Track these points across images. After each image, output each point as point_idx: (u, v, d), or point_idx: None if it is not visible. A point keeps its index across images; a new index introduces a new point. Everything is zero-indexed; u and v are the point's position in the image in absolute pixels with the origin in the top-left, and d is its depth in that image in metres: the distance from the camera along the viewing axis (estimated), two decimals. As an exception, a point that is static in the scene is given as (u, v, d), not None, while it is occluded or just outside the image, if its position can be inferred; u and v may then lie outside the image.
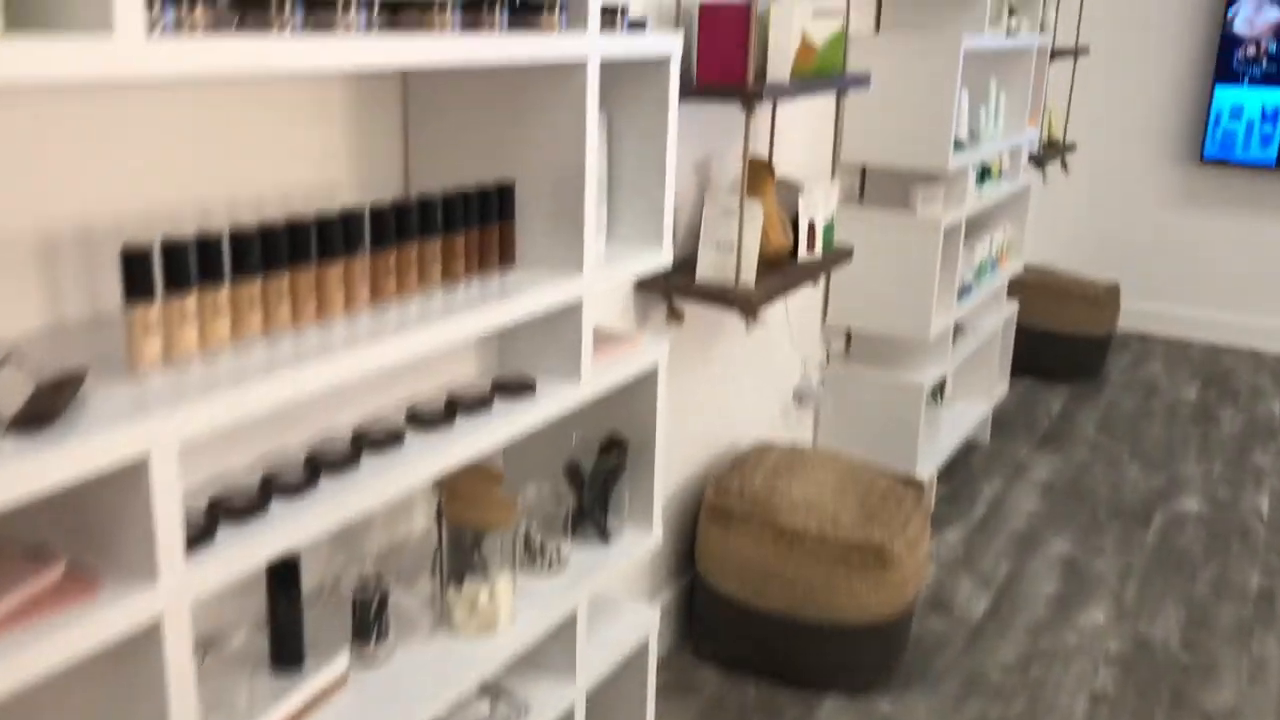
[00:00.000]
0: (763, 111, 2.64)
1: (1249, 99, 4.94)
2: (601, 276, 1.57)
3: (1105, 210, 5.41)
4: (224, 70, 0.97)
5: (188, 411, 1.00)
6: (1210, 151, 5.04)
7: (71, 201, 1.16)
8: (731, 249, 2.23)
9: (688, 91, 2.15)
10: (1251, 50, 4.94)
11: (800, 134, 2.86)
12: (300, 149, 1.40)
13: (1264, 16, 4.89)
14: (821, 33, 2.40)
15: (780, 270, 2.41)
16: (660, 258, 1.72)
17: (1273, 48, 4.89)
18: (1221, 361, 4.96)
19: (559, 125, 1.48)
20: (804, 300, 3.11)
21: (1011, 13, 3.56)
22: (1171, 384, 4.66)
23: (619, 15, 1.52)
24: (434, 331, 1.28)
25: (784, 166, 2.79)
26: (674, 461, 2.56)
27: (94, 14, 0.86)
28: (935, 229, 3.05)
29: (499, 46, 1.28)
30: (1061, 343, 4.68)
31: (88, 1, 0.86)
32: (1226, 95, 4.97)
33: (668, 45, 1.63)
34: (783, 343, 3.03)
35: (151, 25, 0.94)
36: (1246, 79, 4.95)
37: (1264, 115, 4.95)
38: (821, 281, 3.17)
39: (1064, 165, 4.82)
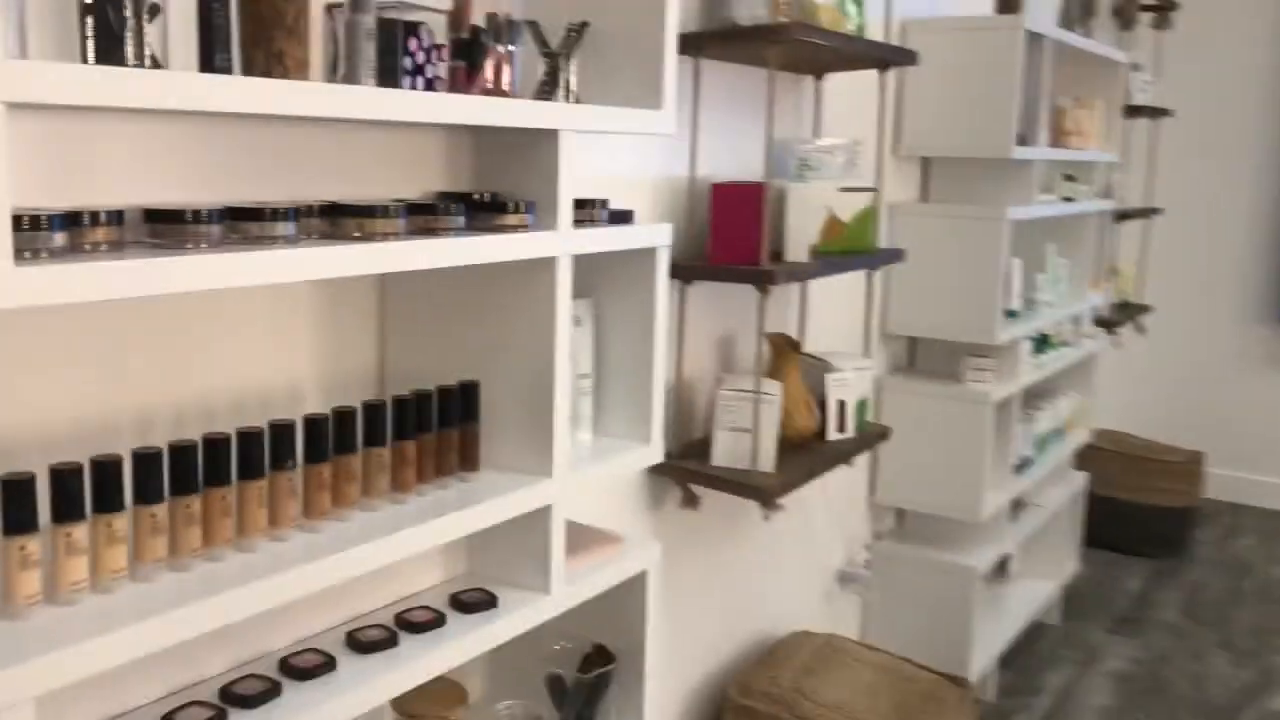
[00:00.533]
0: (790, 285, 2.56)
1: (1336, 259, 4.72)
2: (574, 480, 1.47)
3: (1186, 373, 5.16)
4: (112, 294, 0.91)
5: (55, 656, 0.92)
6: (1295, 312, 4.80)
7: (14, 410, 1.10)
8: (748, 433, 2.12)
9: (701, 272, 2.08)
10: (1337, 208, 4.74)
11: (838, 306, 2.77)
12: (258, 350, 1.35)
13: (1347, 175, 4.70)
14: (850, 208, 2.33)
15: (807, 452, 2.29)
16: (648, 455, 1.62)
17: (1359, 207, 4.68)
18: (1321, 537, 4.62)
19: (529, 322, 1.40)
20: (847, 475, 2.96)
21: (1069, 179, 3.46)
22: (1265, 561, 4.32)
23: (596, 207, 1.46)
24: (366, 550, 1.18)
25: (820, 340, 2.69)
26: (694, 654, 2.40)
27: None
28: (985, 402, 2.90)
29: (447, 251, 1.21)
30: (1142, 515, 4.40)
31: (-57, 233, 0.82)
32: (1312, 255, 4.76)
33: (654, 236, 1.56)
34: (822, 521, 2.87)
35: (27, 251, 0.89)
36: (1333, 238, 4.74)
37: (1354, 275, 4.72)
38: (864, 457, 3.02)
39: (1139, 328, 4.62)
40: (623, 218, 1.54)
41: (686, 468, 2.15)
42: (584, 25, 1.50)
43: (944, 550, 3.07)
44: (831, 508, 2.90)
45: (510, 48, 1.38)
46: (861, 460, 3.01)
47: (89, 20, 0.98)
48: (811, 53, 2.17)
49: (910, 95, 2.93)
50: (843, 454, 2.36)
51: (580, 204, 1.43)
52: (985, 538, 3.15)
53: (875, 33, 2.53)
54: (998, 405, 2.96)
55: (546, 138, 1.34)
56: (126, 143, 1.16)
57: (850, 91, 2.65)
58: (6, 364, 1.11)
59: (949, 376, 3.04)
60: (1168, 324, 5.11)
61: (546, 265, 1.37)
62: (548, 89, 1.50)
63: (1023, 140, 2.91)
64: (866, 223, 2.36)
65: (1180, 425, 5.18)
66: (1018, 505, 3.41)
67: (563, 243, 1.37)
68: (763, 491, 2.07)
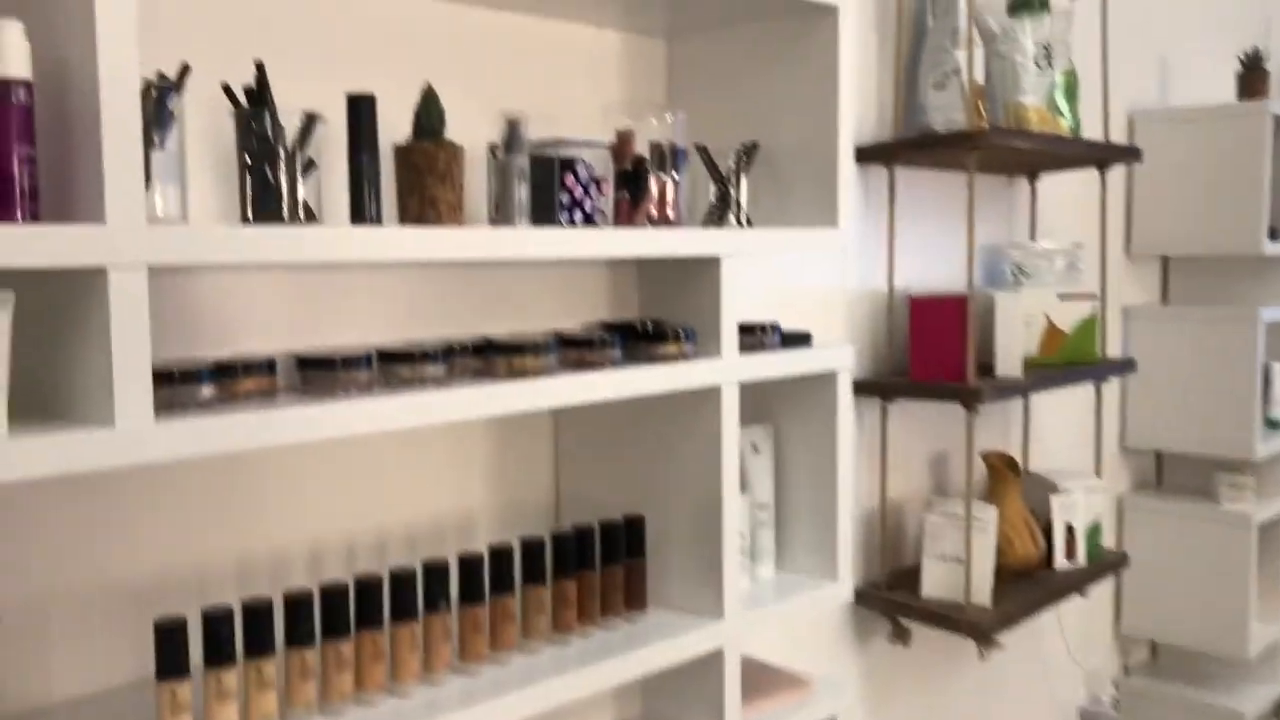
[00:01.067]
0: (1010, 401, 2.39)
1: None
2: (749, 620, 1.38)
3: None
4: (248, 444, 0.93)
5: (194, 807, 0.92)
6: None
7: (184, 552, 1.15)
8: (960, 563, 1.96)
9: (903, 389, 1.97)
10: None
11: (1067, 421, 2.56)
12: (434, 483, 1.36)
13: None
14: (1070, 316, 2.16)
15: (1030, 582, 2.09)
16: (835, 592, 1.51)
17: None
18: None
19: (696, 453, 1.35)
20: (1088, 604, 2.70)
21: (1337, 270, 3.11)
22: None
23: (768, 332, 1.40)
24: (522, 696, 1.14)
25: (1047, 459, 2.49)
26: (912, 802, 2.21)
27: (97, 406, 0.85)
28: (1246, 525, 2.59)
29: (595, 386, 1.18)
30: None
31: (90, 391, 0.85)
32: None
33: (833, 359, 1.48)
34: (1058, 655, 2.62)
35: (176, 404, 0.92)
36: None
37: None
38: (1108, 584, 2.75)
39: None
40: (798, 340, 1.47)
41: (894, 599, 2.01)
42: (754, 146, 1.47)
43: (1206, 690, 2.73)
44: (1070, 640, 2.64)
45: (674, 175, 1.36)
46: (1105, 587, 2.74)
47: (248, 179, 1.03)
48: (1018, 155, 2.05)
49: (1143, 191, 2.72)
50: (1072, 584, 2.14)
51: (748, 329, 1.38)
52: (1256, 676, 2.79)
53: (1093, 128, 2.38)
54: (1262, 526, 2.64)
55: (708, 264, 1.31)
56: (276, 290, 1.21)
57: (1072, 191, 2.50)
58: (179, 504, 1.16)
59: (1203, 495, 2.74)
60: None
61: (711, 394, 1.32)
62: (719, 212, 1.47)
63: (1274, 234, 2.64)
64: (1089, 331, 2.18)
65: None
66: (1297, 640, 3.01)
67: (724, 370, 1.32)
68: (976, 627, 1.90)
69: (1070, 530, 2.18)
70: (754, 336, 1.39)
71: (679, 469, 1.37)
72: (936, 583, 1.99)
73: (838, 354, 1.48)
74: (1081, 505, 2.20)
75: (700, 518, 1.36)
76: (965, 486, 1.94)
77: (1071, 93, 2.16)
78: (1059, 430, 2.55)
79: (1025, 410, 2.41)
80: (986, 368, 1.98)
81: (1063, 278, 2.26)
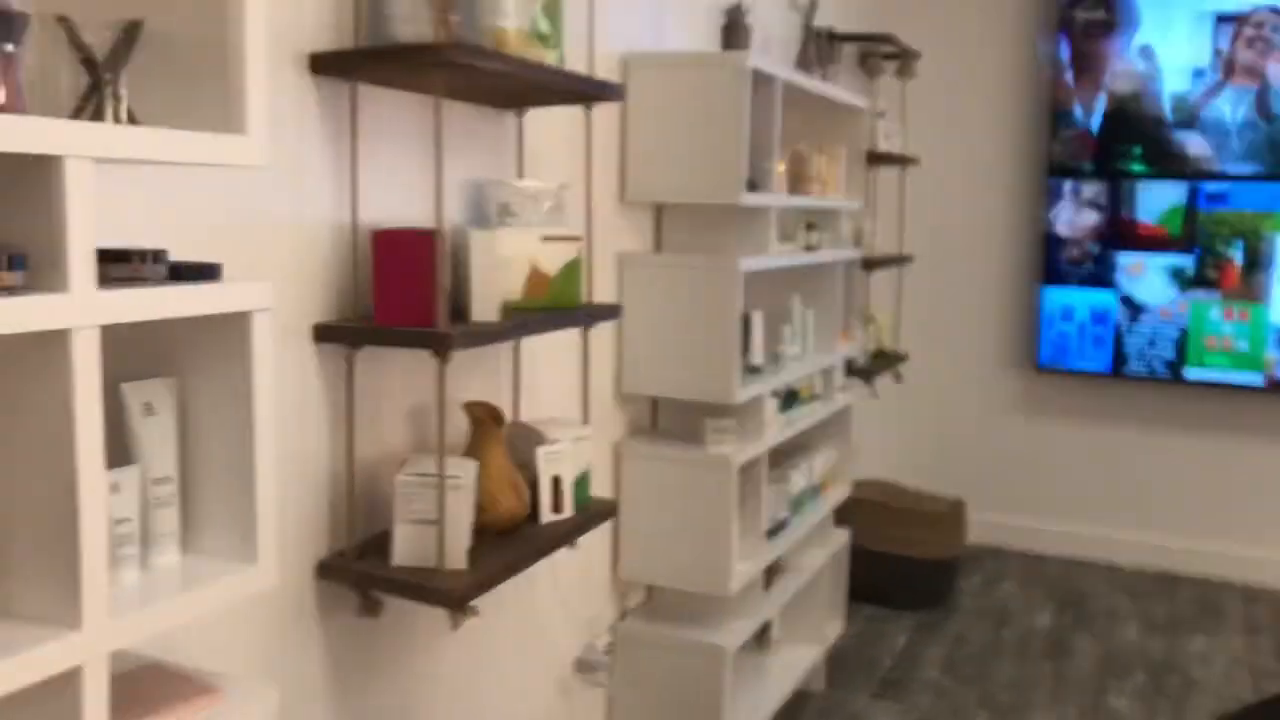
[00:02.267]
0: (498, 348, 2.25)
1: (1078, 300, 4.82)
2: (124, 626, 1.10)
3: (946, 421, 5.16)
4: None
5: None
6: (1045, 357, 4.86)
7: None
8: (433, 525, 1.78)
9: (366, 335, 1.74)
10: (1075, 252, 4.85)
11: (561, 370, 2.48)
12: None
13: (1082, 219, 4.82)
14: (556, 260, 2.05)
15: (515, 539, 1.97)
16: (254, 578, 1.26)
17: (1094, 249, 4.81)
18: (1077, 578, 4.64)
19: (40, 419, 1.03)
20: (587, 553, 2.66)
21: (810, 228, 3.32)
22: (1025, 609, 4.29)
23: (147, 260, 1.11)
24: None
25: (539, 409, 2.39)
26: (393, 785, 2.03)
27: None
28: (727, 468, 2.67)
29: None
30: (907, 566, 4.30)
31: None
32: (1057, 296, 4.84)
33: (244, 298, 1.21)
34: (554, 610, 2.56)
35: None
36: (1075, 280, 4.84)
37: (1094, 317, 4.83)
38: (606, 531, 2.73)
39: (897, 376, 4.57)
40: (196, 274, 1.19)
41: (362, 570, 1.80)
42: (135, 25, 1.16)
43: (692, 628, 2.81)
44: (567, 592, 2.59)
45: (8, 47, 1.02)
46: (601, 537, 2.72)
47: None
48: (499, 83, 1.89)
49: (637, 138, 2.70)
50: (560, 537, 2.05)
51: (117, 256, 1.07)
52: (740, 610, 2.91)
53: (580, 65, 2.28)
54: (742, 468, 2.74)
55: (44, 166, 0.99)
56: None
57: (562, 131, 2.39)
58: None
59: (691, 439, 2.81)
60: (925, 371, 5.11)
61: (55, 340, 1.01)
62: (91, 106, 1.14)
63: (754, 186, 2.72)
64: (573, 275, 2.08)
65: (942, 472, 5.18)
66: (774, 571, 3.20)
67: (73, 310, 1.01)
68: (447, 595, 1.74)
69: (557, 482, 2.09)
70: (128, 266, 1.09)
71: (23, 439, 1.05)
72: (409, 549, 1.80)
73: (249, 291, 1.22)
74: (568, 455, 2.11)
75: (52, 502, 1.04)
76: (439, 441, 1.76)
77: (555, 20, 2.04)
78: (553, 379, 2.46)
79: (516, 359, 2.29)
80: (461, 313, 1.81)
81: (550, 220, 2.15)
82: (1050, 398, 4.97)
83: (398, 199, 1.92)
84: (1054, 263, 4.85)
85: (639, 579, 2.81)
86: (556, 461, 2.09)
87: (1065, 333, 4.86)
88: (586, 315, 2.10)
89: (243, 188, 1.60)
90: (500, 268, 1.90)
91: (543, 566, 2.47)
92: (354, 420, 1.82)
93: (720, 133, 2.60)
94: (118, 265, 1.08)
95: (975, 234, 5.04)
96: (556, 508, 2.09)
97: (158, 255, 1.12)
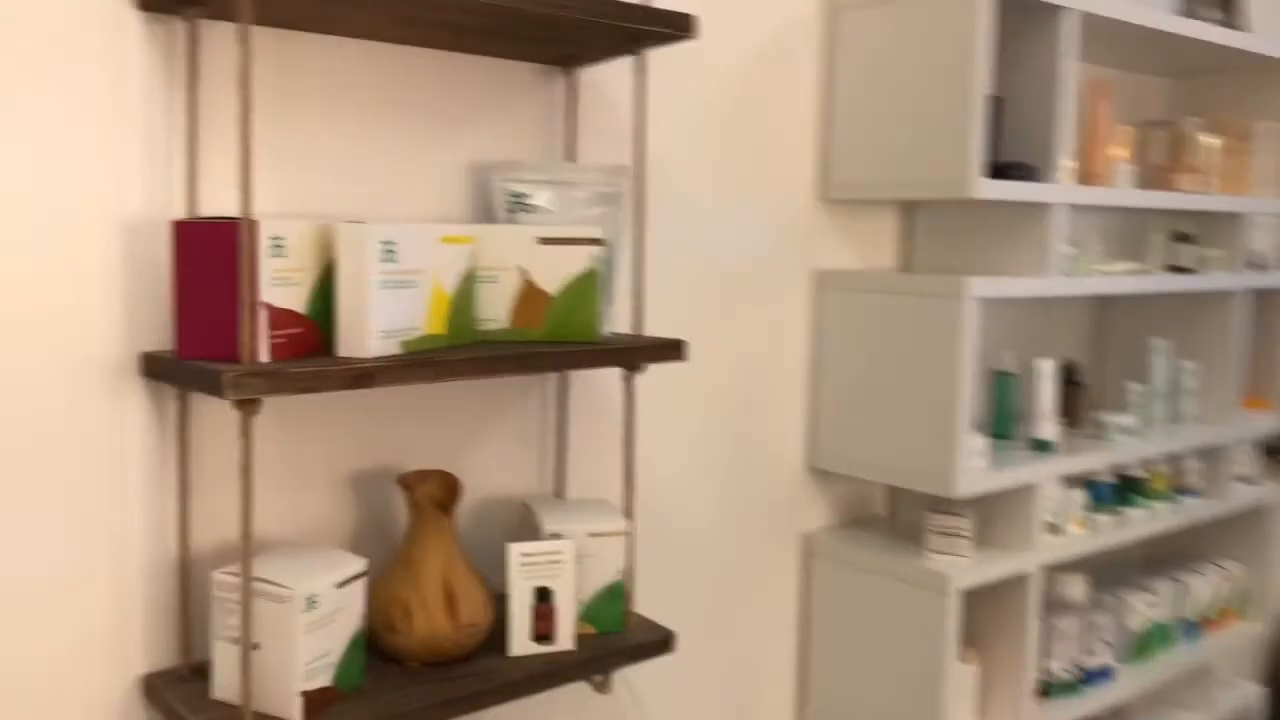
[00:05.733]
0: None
1: None
2: None
3: None
4: None
5: None
6: None
7: None
8: (256, 649, 1.23)
9: (165, 372, 1.23)
10: None
11: (663, 426, 1.79)
12: None
13: None
14: (559, 271, 1.40)
15: (447, 675, 1.35)
16: None
17: None
18: None
19: None
20: (743, 686, 1.93)
21: (1183, 239, 2.26)
22: None
23: None
24: None
25: (591, 488, 1.73)
26: None
27: None
28: (942, 588, 1.79)
29: None
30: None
31: None
32: None
33: None
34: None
35: None
36: None
37: None
38: (785, 659, 1.96)
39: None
40: None
41: (177, 698, 1.28)
42: None
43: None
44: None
45: None
46: (782, 664, 1.95)
47: None
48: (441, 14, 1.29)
49: (845, 105, 1.91)
50: (541, 677, 1.39)
51: None
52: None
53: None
54: (993, 588, 1.84)
55: None
56: None
57: (684, 94, 1.71)
58: None
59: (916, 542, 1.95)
60: None
61: None
62: None
63: (1024, 174, 1.82)
64: (587, 295, 1.41)
65: None
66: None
67: None
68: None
69: (544, 596, 1.43)
70: None
71: None
72: (230, 678, 1.26)
73: None
74: (566, 561, 1.44)
75: None
76: (243, 525, 1.20)
77: None
78: (644, 444, 1.78)
79: (561, 410, 1.65)
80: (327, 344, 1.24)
81: (602, 218, 1.50)
82: None
83: (319, 189, 1.40)
84: None
85: (829, 729, 2.00)
86: (544, 568, 1.43)
87: None
88: (615, 354, 1.41)
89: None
90: (464, 280, 1.30)
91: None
92: (188, 488, 1.33)
93: (949, 90, 1.74)
94: None
95: None
96: (542, 634, 1.43)
97: None
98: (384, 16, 1.30)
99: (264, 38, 1.33)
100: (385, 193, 1.45)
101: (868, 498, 2.10)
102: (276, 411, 1.39)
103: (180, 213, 1.30)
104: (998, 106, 1.87)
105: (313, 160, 1.38)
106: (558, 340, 1.41)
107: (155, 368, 1.26)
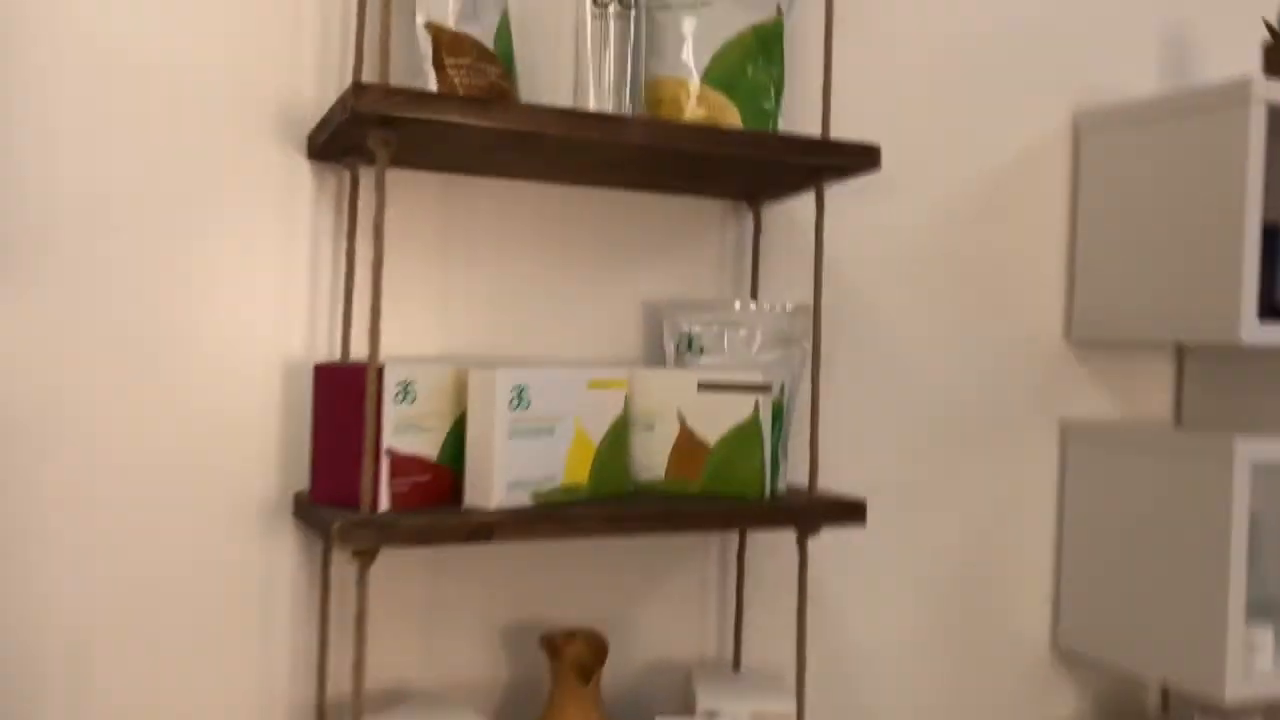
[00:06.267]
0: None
1: None
2: None
3: None
4: None
5: None
6: None
7: None
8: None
9: (300, 514, 1.22)
10: None
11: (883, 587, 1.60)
12: None
13: None
14: (720, 420, 1.30)
15: None
16: None
17: None
18: None
19: None
20: None
21: None
22: None
23: None
24: None
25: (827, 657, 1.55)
26: None
27: None
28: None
29: None
30: None
31: None
32: None
33: None
34: None
35: None
36: None
37: None
38: None
39: None
40: None
41: None
42: None
43: None
44: None
45: None
46: None
47: None
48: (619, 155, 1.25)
49: (1091, 238, 1.69)
50: None
51: None
52: None
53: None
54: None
55: None
56: None
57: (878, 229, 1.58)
58: None
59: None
60: None
61: None
62: None
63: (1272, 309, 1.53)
64: (749, 446, 1.29)
65: None
66: None
67: None
68: None
69: (699, 787, 1.28)
70: None
71: None
72: (360, 838, 1.20)
73: None
74: (734, 744, 1.29)
75: None
76: (355, 689, 1.15)
77: (769, 56, 1.32)
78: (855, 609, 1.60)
79: (740, 564, 1.51)
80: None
81: (778, 363, 1.38)
82: None
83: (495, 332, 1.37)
84: None
85: None
86: (711, 751, 1.29)
87: None
88: (778, 513, 1.27)
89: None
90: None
91: None
92: (328, 629, 1.30)
93: (1217, 219, 1.50)
94: None
95: None
96: (693, 827, 1.28)
97: None
98: (543, 163, 1.27)
99: (429, 184, 1.34)
100: (560, 335, 1.41)
101: (1133, 691, 1.78)
102: (432, 553, 1.36)
103: (334, 357, 1.31)
104: (1271, 237, 1.59)
105: (486, 302, 1.37)
106: (716, 494, 1.29)
107: (301, 510, 1.26)
